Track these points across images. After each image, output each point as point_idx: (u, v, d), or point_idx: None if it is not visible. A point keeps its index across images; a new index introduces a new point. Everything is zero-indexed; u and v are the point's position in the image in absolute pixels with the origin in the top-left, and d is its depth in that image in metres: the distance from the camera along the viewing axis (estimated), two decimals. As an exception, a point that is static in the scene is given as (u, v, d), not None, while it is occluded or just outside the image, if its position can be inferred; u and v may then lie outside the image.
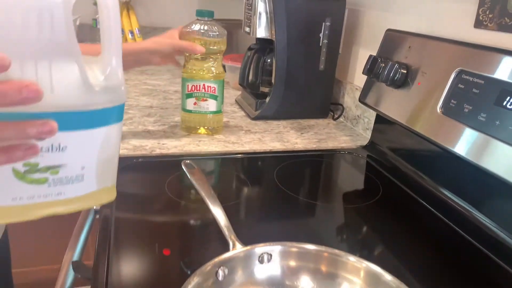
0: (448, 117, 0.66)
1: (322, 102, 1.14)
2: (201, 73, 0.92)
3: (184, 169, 0.60)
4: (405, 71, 0.77)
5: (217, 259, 0.47)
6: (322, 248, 0.49)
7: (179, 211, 0.68)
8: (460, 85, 0.65)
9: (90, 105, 0.35)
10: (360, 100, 0.92)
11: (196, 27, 0.89)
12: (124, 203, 0.67)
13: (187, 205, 0.69)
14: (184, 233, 0.61)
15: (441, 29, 0.81)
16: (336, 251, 0.49)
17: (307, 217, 0.69)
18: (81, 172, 0.37)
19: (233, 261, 0.47)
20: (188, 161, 0.62)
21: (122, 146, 0.87)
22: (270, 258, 0.50)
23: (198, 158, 0.86)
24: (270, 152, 0.92)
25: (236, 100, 1.25)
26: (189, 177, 0.58)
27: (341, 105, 1.16)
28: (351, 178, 0.88)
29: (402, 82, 0.77)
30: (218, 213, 0.53)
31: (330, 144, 0.98)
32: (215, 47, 0.90)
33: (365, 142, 0.98)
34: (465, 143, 0.63)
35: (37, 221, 0.38)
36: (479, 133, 0.61)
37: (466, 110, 0.63)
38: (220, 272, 0.47)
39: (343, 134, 1.05)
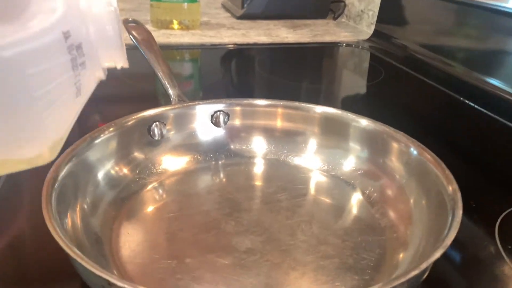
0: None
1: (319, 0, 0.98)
2: (169, -51, 0.76)
3: (126, 28, 0.47)
4: None
5: (147, 113, 0.34)
6: (277, 102, 0.37)
7: (131, 89, 0.55)
8: None
9: None
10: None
11: None
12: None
13: (141, 86, 0.56)
14: (130, 103, 0.49)
15: None
16: (294, 103, 0.37)
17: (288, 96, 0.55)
18: None
19: (169, 117, 0.35)
20: (130, 19, 0.48)
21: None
22: (227, 119, 0.37)
23: (165, 49, 0.72)
24: (254, 44, 0.77)
25: (222, 4, 1.09)
26: (130, 36, 0.45)
27: (342, 1, 0.99)
28: (348, 66, 0.74)
29: None
30: (162, 66, 0.40)
31: (327, 39, 0.83)
32: None
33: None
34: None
35: None
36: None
37: None
38: (156, 130, 0.34)
39: (344, 31, 0.90)
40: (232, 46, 0.75)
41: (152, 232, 0.28)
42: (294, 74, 0.67)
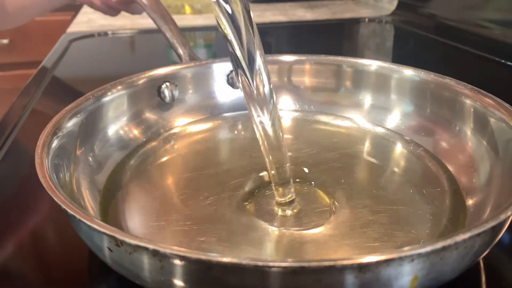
0: None
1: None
2: None
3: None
4: None
5: (156, 72, 0.30)
6: (303, 56, 0.33)
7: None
8: None
9: None
10: None
11: None
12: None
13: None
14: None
15: None
16: (321, 56, 0.32)
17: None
18: None
19: (180, 78, 0.31)
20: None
21: (88, 25, 0.72)
22: (246, 79, 0.33)
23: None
24: (271, 23, 0.73)
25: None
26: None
27: (361, -21, 0.94)
28: (372, 39, 0.69)
29: None
30: (169, 24, 0.37)
31: (347, 16, 0.78)
32: None
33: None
34: None
35: None
36: None
37: None
38: (166, 92, 0.31)
39: (364, 8, 0.85)
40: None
41: (167, 194, 0.24)
42: (316, 51, 0.62)
